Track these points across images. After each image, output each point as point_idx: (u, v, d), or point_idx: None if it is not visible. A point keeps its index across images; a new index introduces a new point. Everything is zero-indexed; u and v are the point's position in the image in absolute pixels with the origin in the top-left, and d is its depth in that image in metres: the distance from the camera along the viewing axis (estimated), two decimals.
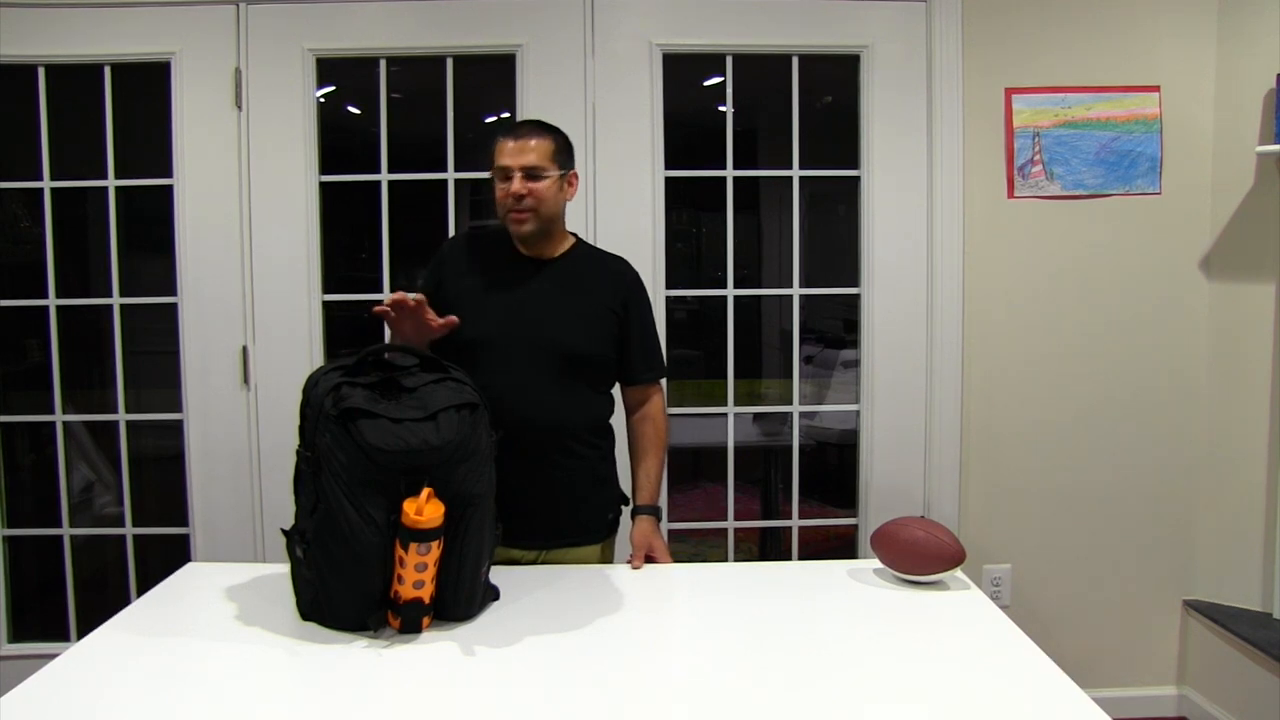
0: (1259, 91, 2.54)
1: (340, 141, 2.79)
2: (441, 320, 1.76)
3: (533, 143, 1.82)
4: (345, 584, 1.48)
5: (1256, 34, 2.56)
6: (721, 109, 2.74)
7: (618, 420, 2.01)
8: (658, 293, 2.65)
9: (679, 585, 1.84)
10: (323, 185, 2.70)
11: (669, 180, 2.70)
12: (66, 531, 2.79)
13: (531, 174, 1.81)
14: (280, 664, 1.42)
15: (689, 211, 3.99)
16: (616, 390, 2.01)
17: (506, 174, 1.82)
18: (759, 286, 3.93)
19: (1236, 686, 2.60)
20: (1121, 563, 2.79)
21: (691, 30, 2.68)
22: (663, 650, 1.53)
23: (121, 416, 2.75)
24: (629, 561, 1.89)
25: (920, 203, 2.71)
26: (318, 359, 2.70)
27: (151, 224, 2.77)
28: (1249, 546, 2.64)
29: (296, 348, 2.69)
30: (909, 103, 2.70)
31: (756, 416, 3.10)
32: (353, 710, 1.28)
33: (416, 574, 1.45)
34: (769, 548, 3.43)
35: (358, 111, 3.00)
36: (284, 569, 1.64)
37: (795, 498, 2.83)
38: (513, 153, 1.82)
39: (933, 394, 2.74)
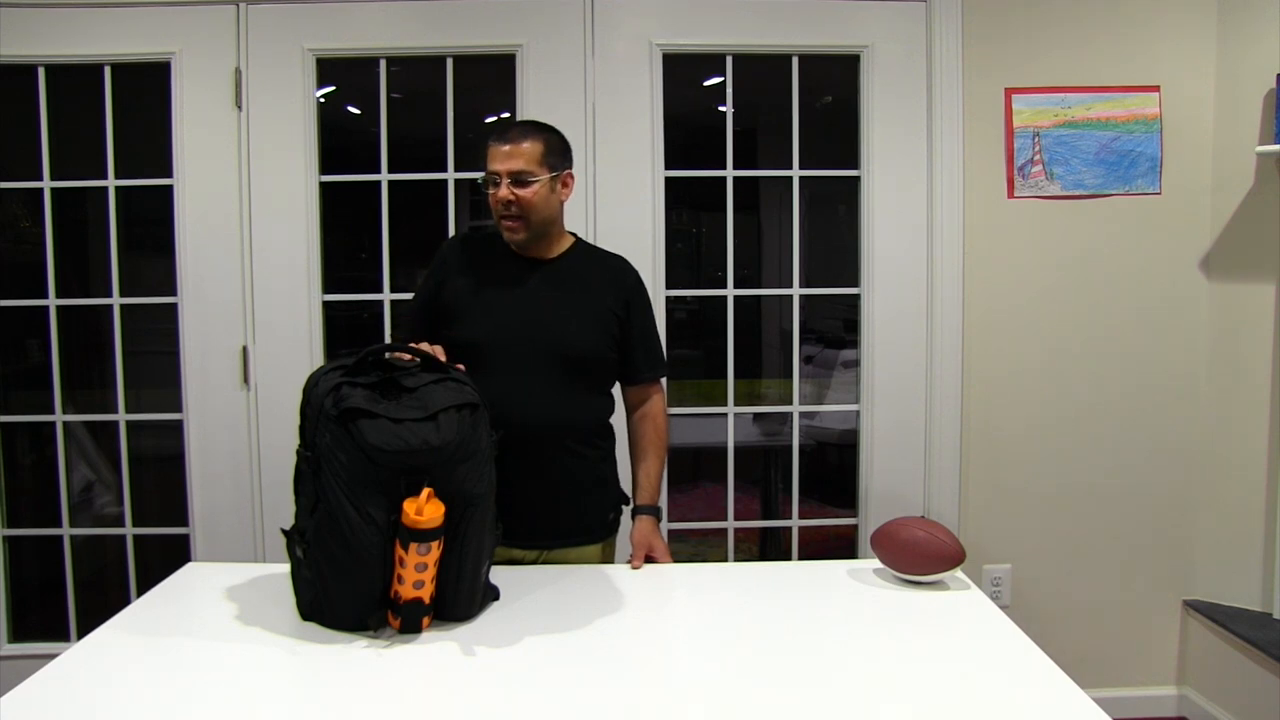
0: (1259, 91, 2.54)
1: (340, 141, 2.79)
2: None
3: (523, 146, 1.80)
4: (345, 584, 1.48)
5: (1256, 34, 2.56)
6: (721, 109, 2.74)
7: (618, 420, 2.01)
8: (658, 293, 2.65)
9: (679, 585, 1.84)
10: (323, 185, 2.70)
11: (669, 180, 2.70)
12: (66, 531, 2.79)
13: (518, 180, 1.79)
14: (280, 664, 1.42)
15: (689, 211, 3.99)
16: (617, 390, 2.01)
17: (495, 180, 1.81)
18: (759, 286, 3.94)
19: (1236, 686, 2.60)
20: (1121, 563, 2.79)
21: (691, 30, 2.68)
22: (662, 650, 1.53)
23: (121, 416, 2.75)
24: (629, 561, 1.89)
25: (920, 203, 2.71)
26: (318, 359, 2.70)
27: (151, 224, 2.77)
28: (1249, 546, 2.64)
29: (296, 348, 2.69)
30: (909, 103, 2.70)
31: (756, 416, 3.10)
32: (353, 710, 1.28)
33: (416, 574, 1.45)
34: (769, 548, 3.43)
35: (358, 111, 3.00)
36: (284, 569, 1.64)
37: (795, 498, 2.83)
38: (499, 158, 1.80)
39: (933, 394, 2.74)
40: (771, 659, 1.44)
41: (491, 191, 1.82)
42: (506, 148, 1.80)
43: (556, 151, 1.85)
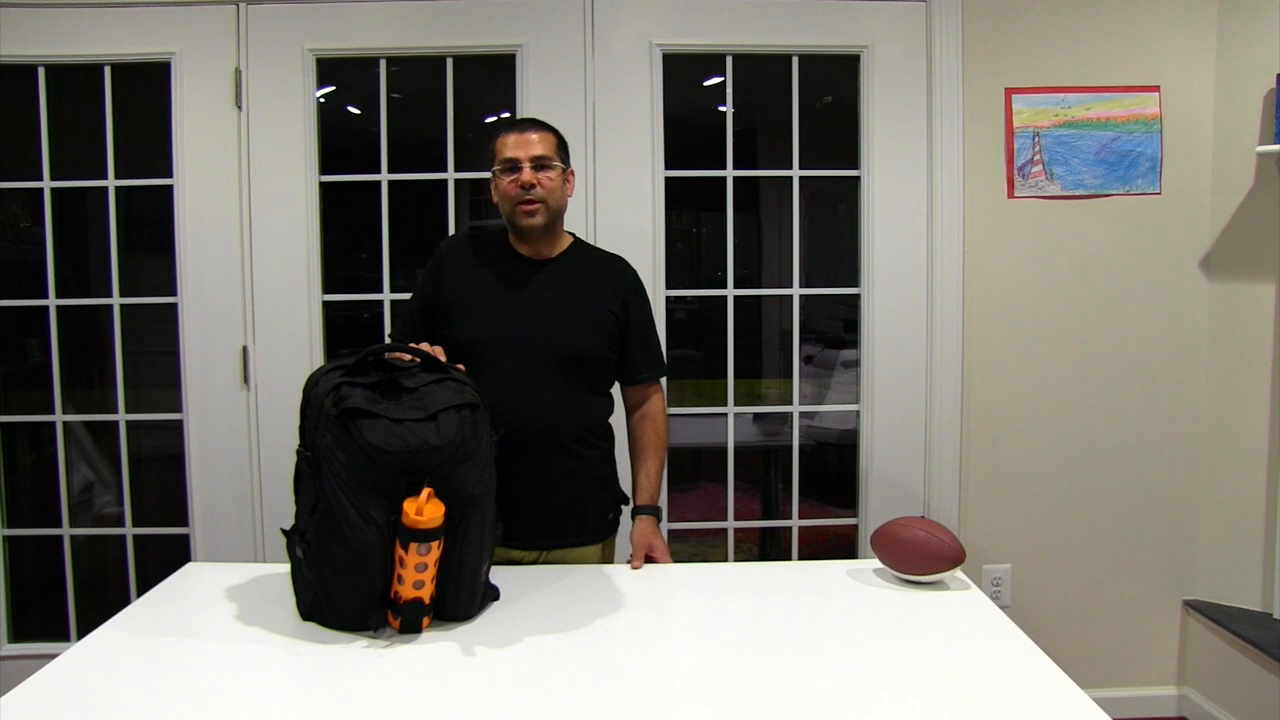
0: (1259, 91, 2.54)
1: (340, 141, 2.79)
2: None
3: (536, 135, 1.85)
4: (345, 584, 1.48)
5: (1256, 34, 2.56)
6: (721, 109, 2.74)
7: (617, 420, 2.01)
8: (658, 293, 2.65)
9: (679, 585, 1.84)
10: (323, 185, 2.70)
11: (669, 180, 2.70)
12: (66, 531, 2.79)
13: (540, 164, 1.83)
14: (280, 664, 1.42)
15: (689, 211, 3.98)
16: (616, 390, 2.01)
17: (514, 165, 1.83)
18: (759, 286, 3.94)
19: (1236, 686, 2.60)
20: (1121, 563, 2.79)
21: (691, 30, 2.68)
22: (663, 650, 1.53)
23: (121, 416, 2.75)
24: (629, 561, 1.89)
25: (920, 203, 2.71)
26: (318, 359, 2.70)
27: (151, 224, 2.77)
28: (1249, 546, 2.64)
29: (296, 348, 2.69)
30: (909, 103, 2.70)
31: (756, 416, 3.10)
32: (353, 710, 1.28)
33: (416, 574, 1.45)
34: (769, 548, 3.43)
35: (358, 111, 3.00)
36: (284, 569, 1.64)
37: (795, 498, 2.83)
38: (518, 145, 1.84)
39: (933, 394, 2.74)
40: (771, 659, 1.44)
41: (510, 178, 1.83)
42: (523, 136, 1.85)
43: (563, 147, 1.91)
